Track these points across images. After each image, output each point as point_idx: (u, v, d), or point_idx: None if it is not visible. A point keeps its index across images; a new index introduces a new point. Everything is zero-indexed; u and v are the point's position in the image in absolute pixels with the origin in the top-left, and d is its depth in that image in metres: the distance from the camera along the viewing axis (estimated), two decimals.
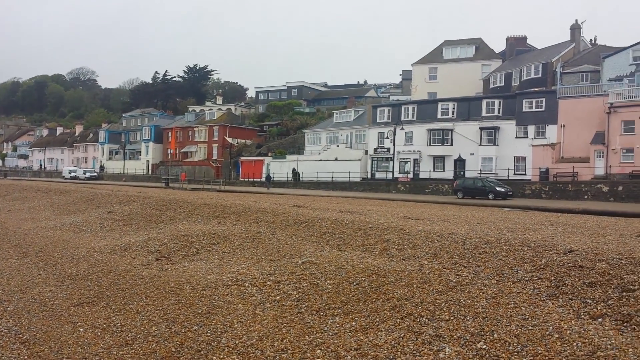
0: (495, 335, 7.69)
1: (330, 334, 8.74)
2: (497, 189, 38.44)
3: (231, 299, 11.08)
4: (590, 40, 59.30)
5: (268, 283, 11.90)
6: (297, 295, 10.83)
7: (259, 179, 65.58)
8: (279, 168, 65.38)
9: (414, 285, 10.42)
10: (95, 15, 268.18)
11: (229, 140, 79.25)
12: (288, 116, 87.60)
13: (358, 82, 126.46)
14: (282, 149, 73.07)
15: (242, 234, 18.15)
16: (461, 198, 39.18)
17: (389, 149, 56.40)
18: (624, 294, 8.72)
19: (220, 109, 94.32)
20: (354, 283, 11.03)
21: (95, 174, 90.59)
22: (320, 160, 62.57)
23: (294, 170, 62.69)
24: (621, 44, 52.24)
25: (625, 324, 7.78)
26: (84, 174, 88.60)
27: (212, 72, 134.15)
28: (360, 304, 9.92)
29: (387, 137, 56.00)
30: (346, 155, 61.26)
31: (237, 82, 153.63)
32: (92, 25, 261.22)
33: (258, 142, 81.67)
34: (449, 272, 11.11)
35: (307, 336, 8.75)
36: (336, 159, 60.95)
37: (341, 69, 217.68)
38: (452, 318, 8.58)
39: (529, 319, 8.09)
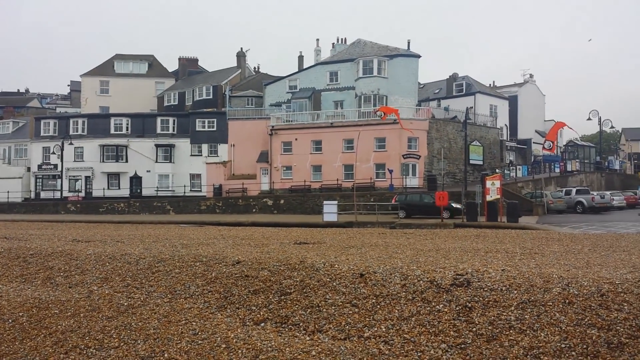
0: (166, 355, 7.61)
1: None
2: (454, 205, 30.85)
3: None
4: (254, 67, 65.46)
5: None
6: None
7: None
8: None
9: (81, 315, 9.60)
10: None
11: None
12: None
13: (18, 90, 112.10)
14: None
15: None
16: (403, 218, 31.05)
17: (56, 166, 51.56)
18: (283, 297, 9.69)
19: None
20: (10, 320, 9.58)
21: None
22: None
23: None
24: (280, 73, 59.15)
25: (283, 326, 8.64)
26: None
27: None
28: (17, 343, 8.64)
29: (54, 153, 51.13)
30: (4, 172, 53.58)
31: None
32: None
33: None
34: (120, 296, 10.63)
35: None
36: None
37: None
38: (122, 344, 8.17)
39: (199, 333, 8.27)
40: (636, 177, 53.16)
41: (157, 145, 50.46)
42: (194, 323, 8.79)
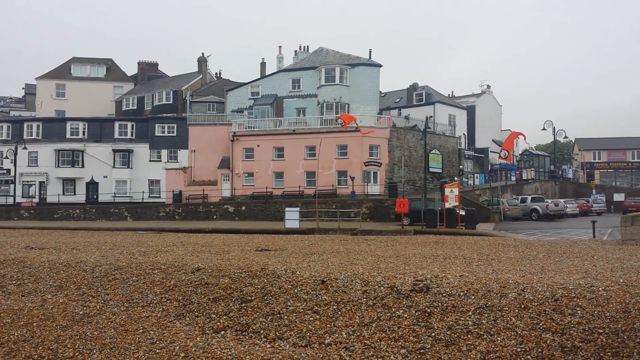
0: None
1: None
2: (461, 212, 29.55)
3: None
4: (216, 73, 64.93)
5: None
6: None
7: None
8: None
9: (35, 324, 9.29)
10: None
11: None
12: None
13: None
14: None
15: None
16: (407, 225, 29.78)
17: (9, 170, 49.88)
18: (243, 305, 9.60)
19: None
20: None
21: None
22: None
23: None
24: (242, 79, 58.81)
25: (243, 333, 8.56)
26: None
27: None
28: None
29: (7, 157, 49.48)
30: None
31: None
32: None
33: None
34: (76, 305, 10.34)
35: None
36: None
37: None
38: (77, 354, 7.94)
39: (157, 342, 8.11)
40: (588, 186, 55.01)
41: (114, 151, 49.42)
42: (152, 332, 8.62)
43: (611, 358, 6.38)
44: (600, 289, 8.84)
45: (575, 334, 7.14)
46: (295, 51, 56.31)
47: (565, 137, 62.03)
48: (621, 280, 9.66)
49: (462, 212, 28.24)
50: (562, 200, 40.16)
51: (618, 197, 49.02)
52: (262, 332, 8.49)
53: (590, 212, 42.18)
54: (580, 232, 25.46)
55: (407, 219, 30.20)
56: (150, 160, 49.56)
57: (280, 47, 71.90)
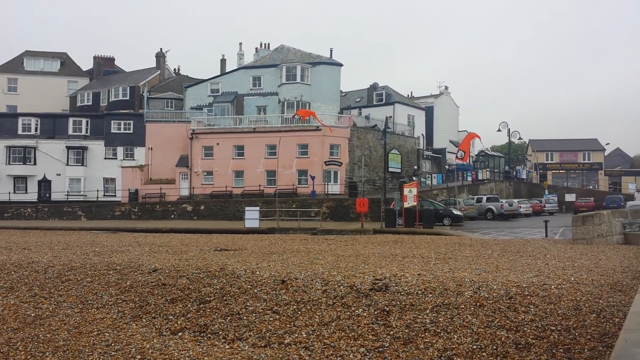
0: None
1: None
2: (455, 212, 31.36)
3: None
4: (175, 69, 63.87)
5: None
6: None
7: None
8: None
9: None
10: None
11: None
12: None
13: None
14: None
15: None
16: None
17: None
18: (202, 305, 9.49)
19: None
20: None
21: None
22: None
23: None
24: (202, 76, 58.04)
25: (202, 335, 8.45)
26: None
27: None
28: None
29: None
30: None
31: None
32: None
33: None
34: (27, 306, 10.02)
35: None
36: None
37: None
38: (29, 357, 7.72)
39: (113, 344, 7.93)
40: (541, 186, 56.63)
41: (68, 148, 47.98)
42: (107, 334, 8.42)
43: (563, 354, 6.59)
44: (552, 287, 9.12)
45: (528, 331, 7.35)
46: (256, 48, 55.95)
47: (520, 138, 63.66)
48: (572, 279, 10.00)
49: (459, 213, 29.32)
50: (516, 200, 41.23)
51: (569, 197, 50.67)
52: (220, 333, 8.41)
53: (543, 212, 43.48)
54: (533, 231, 26.21)
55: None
56: (105, 158, 48.32)
57: (240, 44, 71.72)
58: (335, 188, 42.22)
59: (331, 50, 50.64)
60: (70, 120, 49.53)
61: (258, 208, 31.66)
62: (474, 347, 7.05)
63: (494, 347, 7.01)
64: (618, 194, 49.65)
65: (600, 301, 8.31)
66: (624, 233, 18.97)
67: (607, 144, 76.23)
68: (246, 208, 31.50)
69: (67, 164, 47.83)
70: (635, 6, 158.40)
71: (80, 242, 20.12)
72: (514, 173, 60.26)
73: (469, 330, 7.54)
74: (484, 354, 6.87)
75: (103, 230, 30.03)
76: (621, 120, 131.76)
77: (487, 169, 54.69)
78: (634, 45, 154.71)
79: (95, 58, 63.43)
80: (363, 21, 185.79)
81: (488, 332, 7.44)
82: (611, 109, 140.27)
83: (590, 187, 65.32)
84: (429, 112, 62.13)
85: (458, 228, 28.80)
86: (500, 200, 39.82)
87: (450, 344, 7.22)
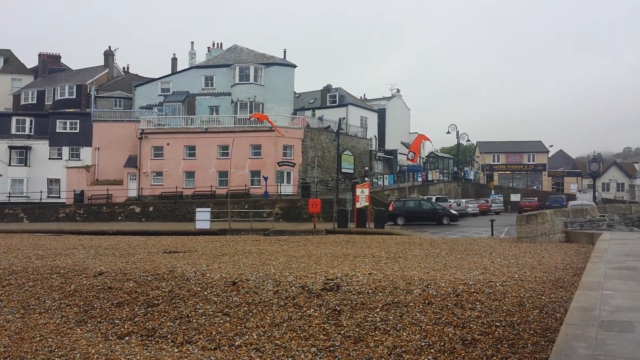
0: None
1: None
2: (452, 211, 32.28)
3: None
4: (124, 67, 62.30)
5: None
6: None
7: None
8: None
9: None
10: None
11: None
12: None
13: None
14: None
15: None
16: (403, 225, 30.37)
17: None
18: (150, 309, 9.28)
19: None
20: None
21: None
22: None
23: None
24: (152, 75, 56.87)
25: (150, 339, 8.26)
26: None
27: None
28: None
29: None
30: None
31: None
32: None
33: None
34: None
35: None
36: None
37: None
38: None
39: (56, 350, 7.66)
40: (488, 187, 58.23)
41: (11, 147, 46.06)
42: (50, 339, 8.12)
43: (507, 349, 6.78)
44: (497, 284, 9.39)
45: (474, 327, 7.53)
46: (209, 48, 55.27)
47: (468, 140, 65.33)
48: (516, 276, 10.32)
49: (455, 212, 30.98)
50: (464, 201, 42.28)
51: (514, 197, 52.37)
52: (169, 336, 8.25)
53: (489, 211, 44.74)
54: (480, 230, 26.91)
55: (401, 218, 30.92)
56: (50, 158, 46.66)
57: (192, 43, 70.39)
58: (288, 189, 42.17)
59: (285, 51, 50.61)
60: (14, 119, 47.65)
61: (209, 209, 31.26)
62: (423, 344, 7.17)
63: (442, 343, 7.14)
64: (561, 194, 51.58)
65: (543, 297, 8.59)
66: (566, 231, 19.72)
67: (550, 146, 79.23)
68: (197, 209, 31.05)
69: (10, 165, 45.97)
70: (581, 15, 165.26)
71: (22, 245, 19.35)
72: (462, 174, 61.73)
73: (417, 328, 7.66)
74: (432, 350, 6.99)
75: (46, 233, 28.98)
76: (565, 123, 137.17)
77: (437, 170, 55.85)
78: (579, 52, 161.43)
79: (40, 55, 61.22)
80: (318, 23, 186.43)
81: (436, 329, 7.58)
82: (556, 112, 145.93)
83: (535, 187, 67.66)
84: (382, 114, 62.89)
85: (455, 226, 29.32)
86: (449, 200, 40.71)
87: (399, 341, 7.31)
